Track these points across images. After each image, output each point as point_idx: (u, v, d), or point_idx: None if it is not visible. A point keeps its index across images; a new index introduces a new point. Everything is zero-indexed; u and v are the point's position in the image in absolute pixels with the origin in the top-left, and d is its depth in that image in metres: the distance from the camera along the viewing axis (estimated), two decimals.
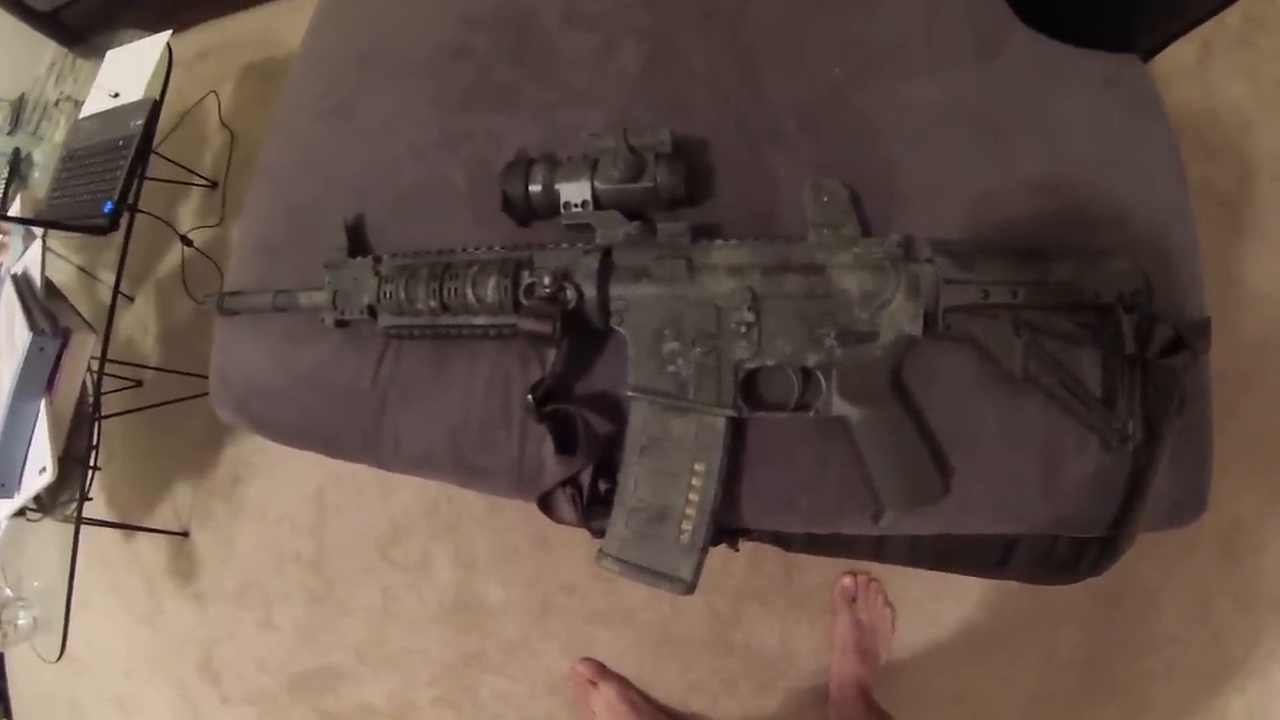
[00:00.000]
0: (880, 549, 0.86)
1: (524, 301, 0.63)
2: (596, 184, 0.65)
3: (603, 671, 1.32)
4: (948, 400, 0.66)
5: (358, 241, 0.75)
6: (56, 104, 1.66)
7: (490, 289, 0.63)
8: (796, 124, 0.74)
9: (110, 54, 1.56)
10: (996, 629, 1.29)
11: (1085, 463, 0.66)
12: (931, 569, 0.88)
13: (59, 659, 1.27)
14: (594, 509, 0.65)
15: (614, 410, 0.67)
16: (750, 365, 0.63)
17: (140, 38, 1.53)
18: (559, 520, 0.68)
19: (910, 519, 0.66)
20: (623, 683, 1.31)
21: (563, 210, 0.67)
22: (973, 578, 1.08)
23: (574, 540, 1.31)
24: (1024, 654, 1.29)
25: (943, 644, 1.30)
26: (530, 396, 0.63)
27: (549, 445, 0.66)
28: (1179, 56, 0.78)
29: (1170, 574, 1.27)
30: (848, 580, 1.30)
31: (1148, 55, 0.83)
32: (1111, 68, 0.79)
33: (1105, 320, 0.63)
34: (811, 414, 0.63)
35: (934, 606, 1.30)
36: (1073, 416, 0.64)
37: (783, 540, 0.86)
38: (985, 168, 0.72)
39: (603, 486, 0.65)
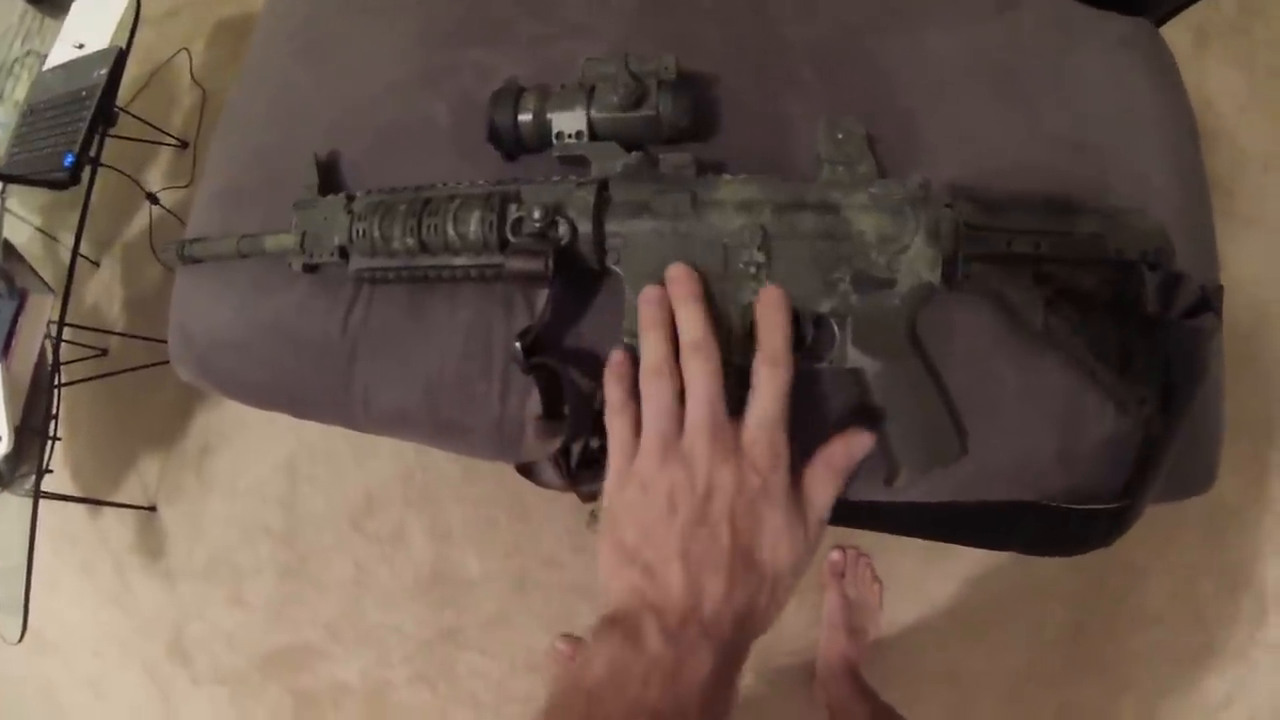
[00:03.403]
0: (879, 516, 0.83)
1: (511, 239, 0.57)
2: (593, 112, 0.60)
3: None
4: (964, 358, 0.62)
5: (330, 179, 0.69)
6: (20, 61, 1.59)
7: (474, 225, 0.57)
8: (810, 66, 0.70)
9: (75, 5, 1.49)
10: (985, 605, 1.31)
11: (1101, 430, 0.63)
12: (933, 539, 0.86)
13: (20, 640, 1.23)
14: (583, 471, 0.61)
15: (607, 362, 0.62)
16: None
17: None
18: (543, 485, 0.63)
19: (924, 482, 0.62)
20: None
21: (555, 141, 0.61)
22: (965, 549, 1.08)
23: (555, 511, 1.29)
24: (1011, 631, 1.30)
25: (931, 621, 1.31)
26: (518, 344, 0.58)
27: (533, 403, 0.61)
28: (1175, 44, 0.78)
29: (1156, 554, 1.29)
30: (836, 555, 1.28)
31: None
32: (1126, 29, 0.77)
33: (1127, 277, 0.60)
34: (825, 364, 0.58)
35: (922, 582, 1.31)
36: (1091, 378, 0.61)
37: None
38: (1004, 121, 0.69)
39: (594, 445, 0.60)
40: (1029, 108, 0.70)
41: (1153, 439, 0.62)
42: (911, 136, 0.67)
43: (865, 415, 0.59)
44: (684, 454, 0.51)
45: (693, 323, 0.53)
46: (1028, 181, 0.65)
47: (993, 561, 1.26)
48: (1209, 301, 0.59)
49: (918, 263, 0.57)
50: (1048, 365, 0.62)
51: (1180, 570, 1.29)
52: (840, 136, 0.61)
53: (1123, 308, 0.60)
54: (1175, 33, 0.84)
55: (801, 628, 1.29)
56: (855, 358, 0.57)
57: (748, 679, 1.28)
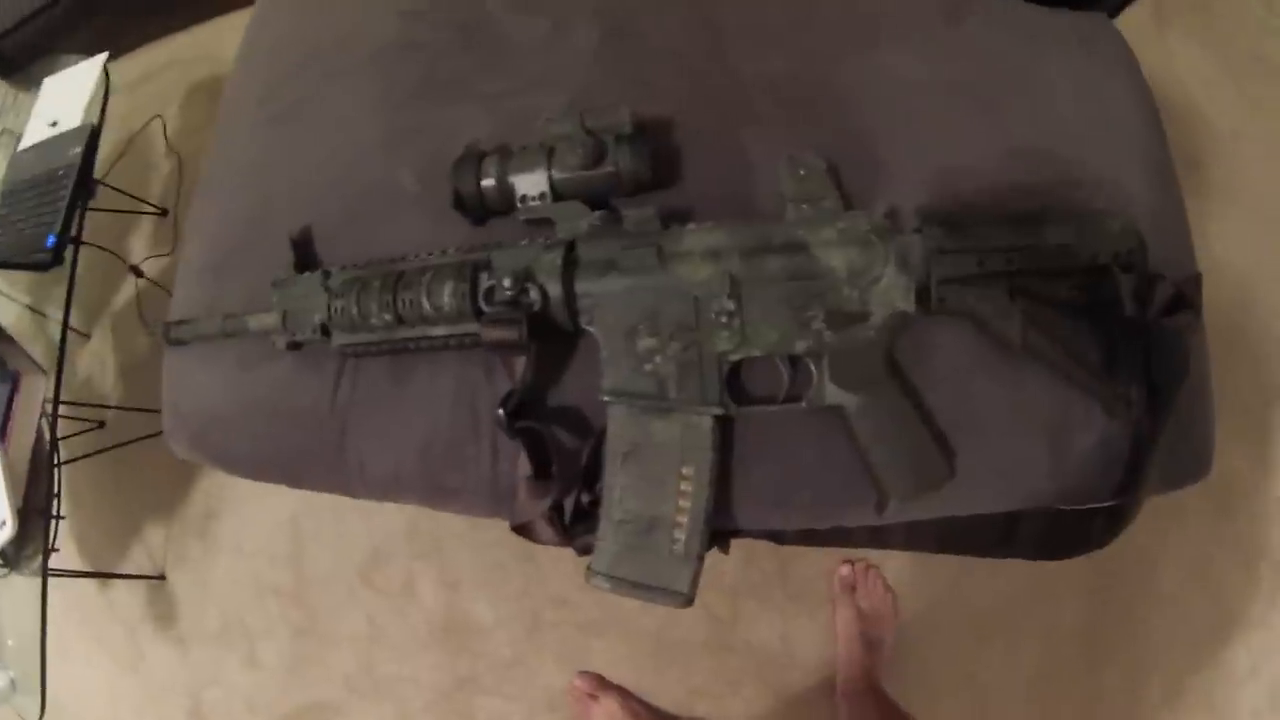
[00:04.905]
0: (879, 536, 0.83)
1: (484, 307, 0.58)
2: (554, 173, 0.61)
3: (602, 683, 1.28)
4: (946, 378, 0.62)
5: (306, 255, 0.70)
6: None
7: (447, 296, 0.58)
8: (767, 98, 0.71)
9: (47, 82, 1.50)
10: (998, 605, 1.29)
11: (1090, 433, 0.63)
12: (934, 552, 0.86)
13: (40, 719, 1.22)
14: (577, 526, 0.61)
15: (592, 417, 0.62)
16: (734, 357, 0.58)
17: (77, 63, 1.47)
18: (540, 542, 0.63)
19: (915, 505, 0.62)
20: (624, 693, 1.27)
21: (519, 204, 0.62)
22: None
23: (561, 552, 1.27)
24: (1027, 628, 1.29)
25: (945, 625, 1.29)
26: (501, 410, 0.58)
27: (523, 463, 0.62)
28: (1135, 25, 0.78)
29: (1165, 536, 1.28)
30: (845, 569, 1.27)
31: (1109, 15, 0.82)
32: (1083, 26, 0.78)
33: (1102, 282, 0.60)
34: (804, 405, 0.58)
35: (933, 587, 1.30)
36: (1075, 385, 0.61)
37: (776, 534, 0.82)
38: (965, 133, 0.69)
39: (585, 500, 0.60)
40: (989, 117, 0.70)
41: (1142, 437, 0.62)
42: (874, 161, 0.67)
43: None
44: None
45: None
46: (995, 193, 0.66)
47: (1002, 562, 1.26)
48: (1185, 299, 0.60)
49: (891, 293, 0.58)
50: (1030, 376, 0.62)
51: (1191, 548, 1.28)
52: (802, 173, 0.61)
53: (1101, 311, 0.61)
54: (1135, 13, 0.84)
55: (816, 643, 1.28)
56: (834, 394, 0.58)
57: (768, 699, 1.28)
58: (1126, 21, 0.82)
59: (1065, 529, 0.73)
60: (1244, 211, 1.38)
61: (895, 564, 1.28)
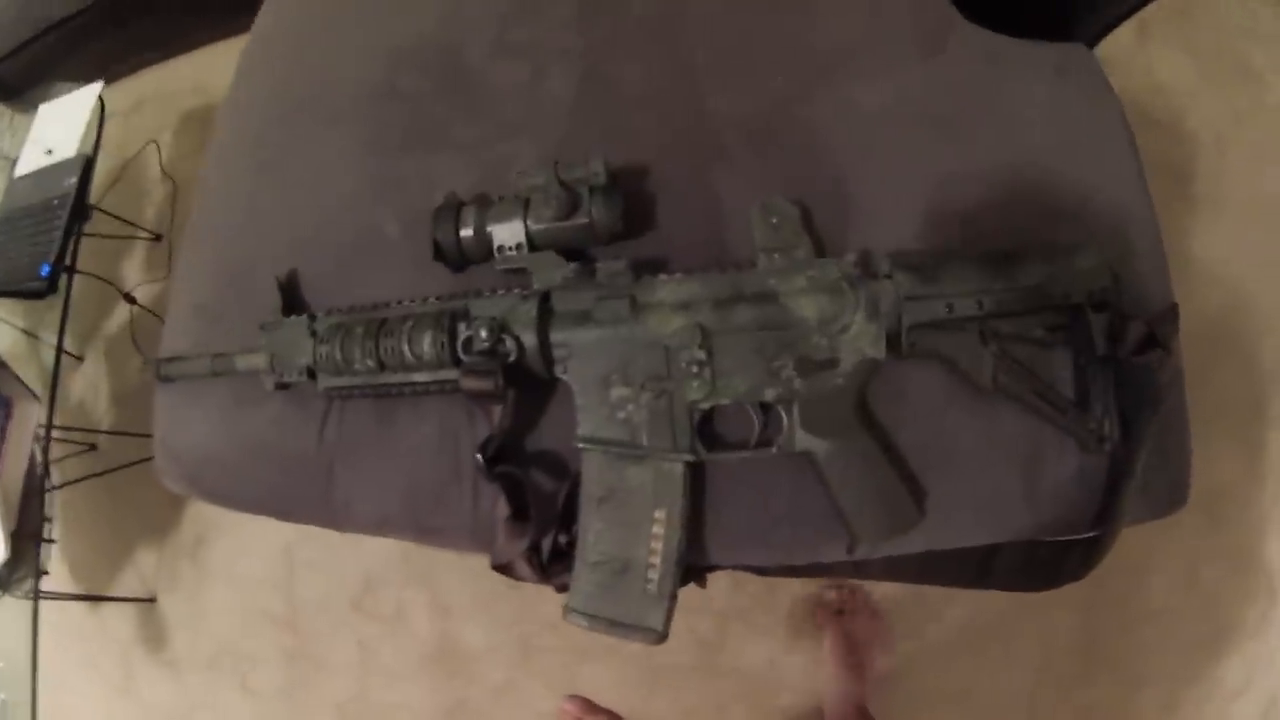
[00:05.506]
0: (858, 568, 0.84)
1: (463, 356, 0.59)
2: (530, 224, 0.62)
3: (592, 707, 1.27)
4: (919, 418, 0.63)
5: (293, 299, 0.71)
6: None
7: (427, 345, 0.59)
8: (740, 140, 0.72)
9: (42, 108, 1.52)
10: (989, 622, 1.29)
11: (1065, 466, 0.64)
12: (912, 583, 0.86)
13: None
14: (555, 565, 0.62)
15: (568, 461, 0.64)
16: (705, 405, 0.60)
17: (73, 90, 1.49)
18: (518, 579, 0.64)
19: (888, 545, 0.63)
20: (613, 717, 1.27)
21: (496, 254, 0.63)
22: None
23: None
24: (1019, 643, 1.28)
25: (936, 644, 1.29)
26: (480, 455, 0.60)
27: (502, 505, 0.63)
28: (1118, 37, 0.79)
29: (1156, 548, 1.28)
30: (832, 594, 1.28)
31: (1088, 45, 0.81)
32: (1060, 57, 0.77)
33: (1075, 321, 0.61)
34: (774, 451, 0.60)
35: (923, 608, 1.29)
36: (1048, 422, 0.62)
37: (756, 567, 0.83)
38: (940, 170, 0.70)
39: (563, 541, 0.61)
40: (963, 151, 0.71)
41: (1118, 469, 0.63)
42: (847, 202, 0.68)
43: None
44: None
45: None
46: (968, 229, 0.67)
47: None
48: (1156, 339, 0.60)
49: (860, 340, 0.59)
50: (1004, 410, 0.63)
51: (1183, 560, 1.27)
52: (775, 221, 0.62)
53: (1073, 349, 0.62)
54: (1118, 29, 0.84)
55: (804, 668, 1.28)
56: (804, 440, 0.59)
57: None
58: (1108, 36, 0.83)
59: (1042, 561, 0.73)
60: (1229, 221, 1.38)
61: (885, 585, 1.28)
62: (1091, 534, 0.66)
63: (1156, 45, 1.47)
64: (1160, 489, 0.67)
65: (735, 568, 0.78)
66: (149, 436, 0.78)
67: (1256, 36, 1.48)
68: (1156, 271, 0.70)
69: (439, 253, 0.65)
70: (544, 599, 1.31)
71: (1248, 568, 1.27)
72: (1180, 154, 1.41)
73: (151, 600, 1.55)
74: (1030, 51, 0.76)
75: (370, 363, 0.61)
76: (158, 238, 1.72)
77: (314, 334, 0.65)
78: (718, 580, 1.24)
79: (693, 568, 0.67)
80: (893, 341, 0.59)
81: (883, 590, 1.28)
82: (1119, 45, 0.78)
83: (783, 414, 0.59)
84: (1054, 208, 0.68)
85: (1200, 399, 0.72)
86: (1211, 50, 1.47)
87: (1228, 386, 1.28)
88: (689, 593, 0.61)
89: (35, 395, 1.37)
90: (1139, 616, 1.27)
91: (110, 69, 1.62)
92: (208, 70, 1.82)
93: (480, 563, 1.31)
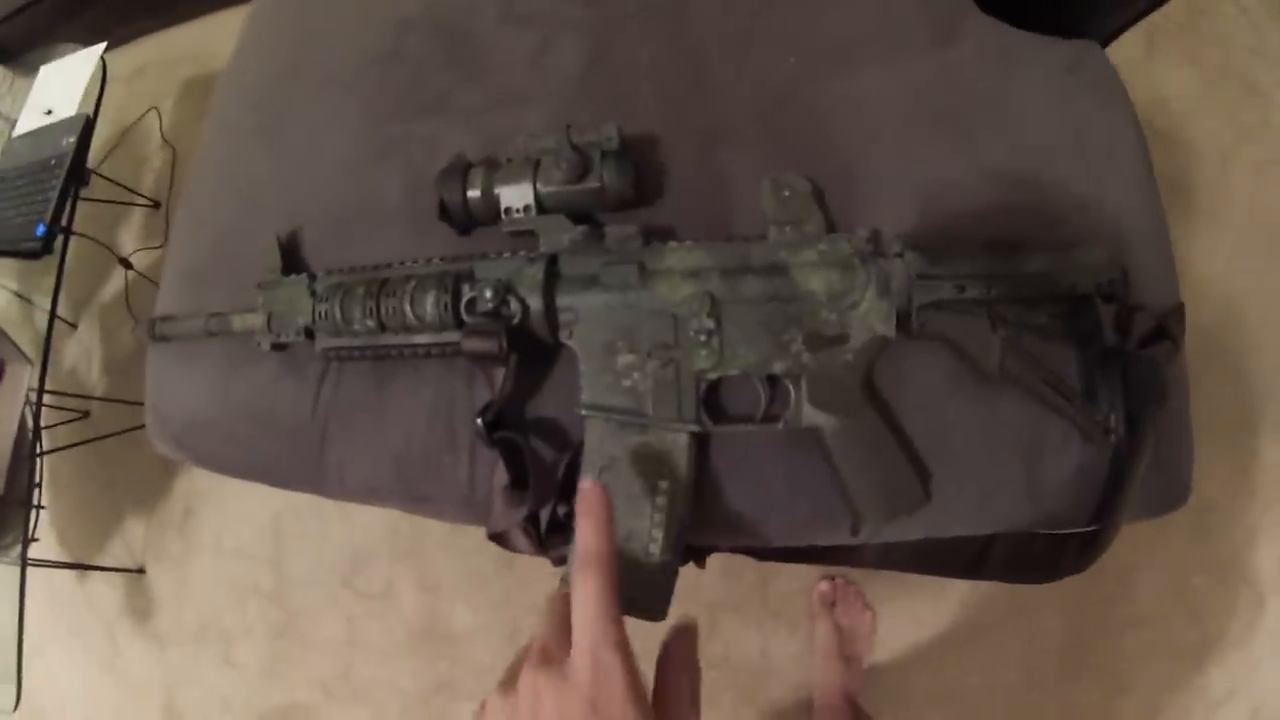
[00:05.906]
0: (854, 554, 0.83)
1: (466, 318, 0.58)
2: (539, 186, 0.61)
3: (844, 585, 1.27)
4: (923, 402, 0.62)
5: (293, 259, 0.70)
6: None
7: (429, 306, 0.58)
8: (749, 121, 0.71)
9: (43, 70, 1.50)
10: (976, 621, 1.30)
11: (1067, 459, 0.63)
12: (907, 572, 0.86)
13: (15, 709, 1.22)
14: (553, 537, 0.61)
15: (570, 430, 0.62)
16: (712, 376, 0.58)
17: (74, 52, 1.47)
18: (514, 551, 0.63)
19: (890, 528, 0.62)
20: (861, 594, 1.28)
21: (503, 216, 0.62)
22: None
23: (540, 560, 1.28)
24: (1005, 644, 1.29)
25: (924, 642, 1.30)
26: (480, 420, 0.59)
27: (499, 474, 0.62)
28: (1126, 49, 0.78)
29: (1144, 555, 1.29)
30: (825, 585, 1.28)
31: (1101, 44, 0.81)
32: (1072, 54, 0.76)
33: (1083, 311, 0.61)
34: (780, 426, 0.58)
35: (913, 604, 1.30)
36: (1053, 412, 0.61)
37: (753, 550, 0.83)
38: (949, 160, 0.69)
39: (561, 511, 0.60)
40: (973, 141, 0.70)
41: (1120, 463, 0.62)
42: (856, 184, 0.67)
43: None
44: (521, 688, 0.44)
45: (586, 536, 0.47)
46: (976, 219, 0.66)
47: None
48: (1164, 331, 0.60)
49: (871, 317, 0.58)
50: (1007, 402, 0.62)
51: (1170, 569, 1.28)
52: (786, 194, 0.61)
53: (1081, 340, 0.61)
54: (1124, 38, 0.84)
55: (795, 659, 1.28)
56: (811, 416, 0.58)
57: (745, 713, 1.28)
58: (1116, 46, 0.83)
59: (1039, 554, 0.72)
60: (1231, 235, 1.39)
61: (875, 580, 1.28)
62: (1090, 529, 0.65)
63: (1163, 59, 1.48)
64: (1160, 487, 0.66)
65: (735, 550, 0.77)
66: (141, 404, 0.76)
67: (1263, 54, 1.49)
68: (1163, 273, 0.69)
69: (445, 213, 0.64)
70: (533, 581, 1.32)
71: (1235, 577, 1.28)
72: (1183, 167, 1.42)
73: (140, 571, 1.54)
74: (1043, 47, 0.76)
75: (370, 323, 0.60)
76: (156, 205, 1.71)
77: (314, 293, 0.63)
78: (710, 571, 1.24)
79: (692, 548, 0.66)
80: (902, 321, 0.58)
81: (874, 587, 1.28)
82: (1126, 58, 0.77)
83: (790, 388, 0.58)
84: (1062, 206, 0.68)
85: (1191, 411, 0.72)
86: (1218, 66, 1.48)
87: (1215, 401, 1.29)
88: (681, 582, 0.59)
89: (28, 359, 1.35)
90: (1126, 622, 1.29)
91: (113, 34, 1.60)
92: (210, 38, 1.81)
93: (470, 543, 1.33)
